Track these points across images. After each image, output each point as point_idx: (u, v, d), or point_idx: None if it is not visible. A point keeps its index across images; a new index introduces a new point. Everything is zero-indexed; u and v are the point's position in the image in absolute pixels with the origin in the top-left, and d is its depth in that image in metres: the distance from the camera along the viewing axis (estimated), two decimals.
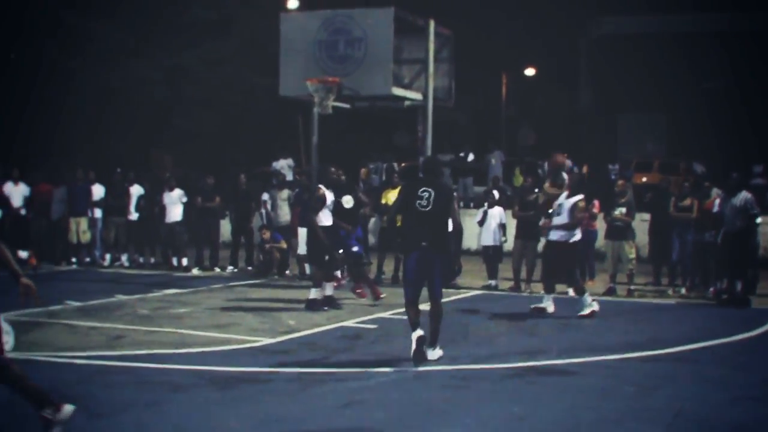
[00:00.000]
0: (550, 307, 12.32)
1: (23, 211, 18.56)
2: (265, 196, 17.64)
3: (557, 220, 12.36)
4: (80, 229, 18.48)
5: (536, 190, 14.88)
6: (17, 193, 18.53)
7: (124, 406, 7.07)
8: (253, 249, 17.91)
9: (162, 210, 17.78)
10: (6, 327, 6.43)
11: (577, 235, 12.45)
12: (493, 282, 15.21)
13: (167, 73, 32.44)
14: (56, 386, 7.67)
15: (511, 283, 15.12)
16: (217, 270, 17.65)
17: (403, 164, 23.51)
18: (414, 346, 8.73)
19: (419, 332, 8.80)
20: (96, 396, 7.39)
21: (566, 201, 12.35)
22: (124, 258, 18.58)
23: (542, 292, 12.65)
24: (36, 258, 17.28)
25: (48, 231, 18.91)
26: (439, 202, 9.04)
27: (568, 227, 12.28)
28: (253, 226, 18.01)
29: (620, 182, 15.52)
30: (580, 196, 12.49)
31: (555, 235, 12.41)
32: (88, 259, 18.68)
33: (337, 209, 12.85)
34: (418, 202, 9.04)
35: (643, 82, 36.15)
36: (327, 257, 12.45)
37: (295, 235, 16.24)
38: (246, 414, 6.91)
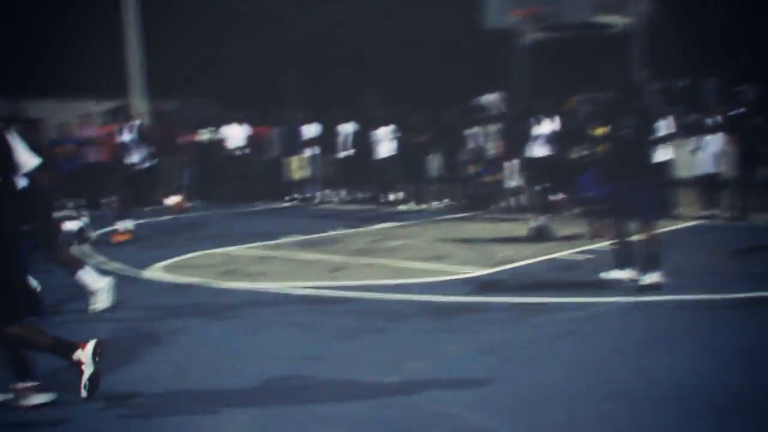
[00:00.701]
0: None
1: (247, 151, 19.50)
2: (473, 131, 17.66)
3: None
4: (296, 167, 19.21)
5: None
6: (239, 133, 19.46)
7: (349, 333, 7.34)
8: (462, 183, 18.04)
9: (372, 147, 18.16)
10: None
11: None
12: (712, 212, 14.65)
13: (369, 14, 32.79)
14: (282, 315, 8.11)
15: (729, 213, 14.52)
16: (428, 204, 17.93)
17: (610, 94, 22.82)
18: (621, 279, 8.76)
19: (622, 274, 8.77)
20: (321, 324, 7.71)
21: None
22: (337, 194, 19.16)
23: None
24: (183, 202, 17.17)
25: (266, 170, 19.77)
26: (643, 130, 8.86)
27: None
28: (461, 161, 18.10)
29: None
30: None
31: None
32: (305, 196, 19.39)
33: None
34: (620, 130, 8.88)
35: None
36: (541, 187, 12.50)
37: (503, 168, 16.26)
38: (465, 342, 7.02)
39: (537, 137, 12.96)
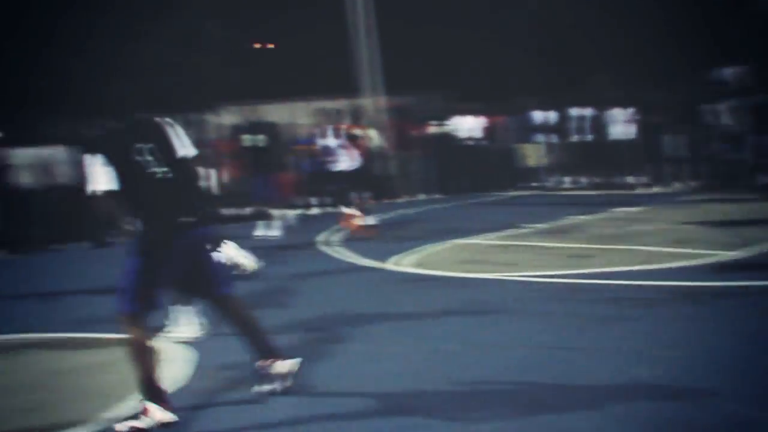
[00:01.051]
0: None
1: (483, 142, 19.66)
2: (715, 107, 16.93)
3: None
4: (531, 154, 19.17)
5: None
6: (473, 124, 19.67)
7: (600, 321, 7.22)
8: (706, 162, 17.33)
9: (608, 129, 17.82)
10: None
11: None
12: None
13: None
14: (528, 304, 8.09)
15: None
16: (669, 186, 17.38)
17: None
18: None
19: None
20: (569, 313, 7.62)
21: None
22: (574, 179, 18.93)
23: None
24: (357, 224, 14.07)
25: (500, 159, 19.84)
26: None
27: None
28: (703, 139, 17.39)
29: None
30: None
31: None
32: (541, 183, 19.29)
33: None
34: None
35: None
36: None
37: (749, 144, 15.51)
38: (722, 329, 6.75)
39: None
